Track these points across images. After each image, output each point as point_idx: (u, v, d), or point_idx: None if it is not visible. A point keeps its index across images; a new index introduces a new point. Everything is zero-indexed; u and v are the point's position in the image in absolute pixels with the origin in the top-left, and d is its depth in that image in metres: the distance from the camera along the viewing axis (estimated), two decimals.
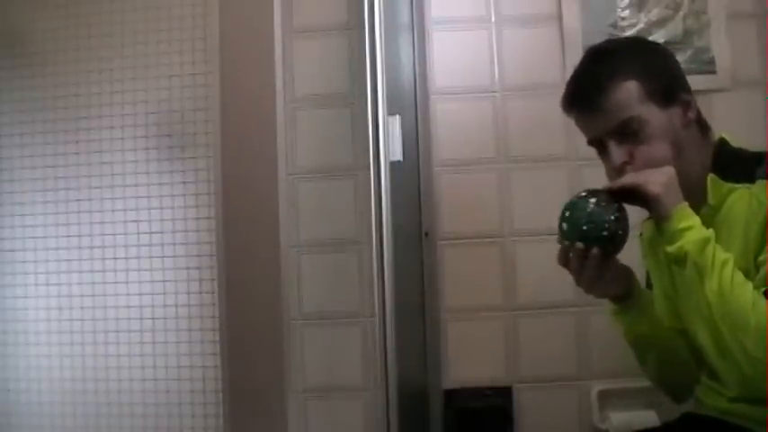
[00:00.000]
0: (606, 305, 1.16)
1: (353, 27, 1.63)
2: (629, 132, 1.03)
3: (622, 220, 1.03)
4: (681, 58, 1.49)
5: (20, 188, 1.71)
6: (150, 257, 1.65)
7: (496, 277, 1.59)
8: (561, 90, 1.11)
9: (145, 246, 1.66)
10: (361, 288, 1.59)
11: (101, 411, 1.65)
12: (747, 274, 0.94)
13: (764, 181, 0.96)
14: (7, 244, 1.71)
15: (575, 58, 1.23)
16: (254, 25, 1.65)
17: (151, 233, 1.66)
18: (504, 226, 1.60)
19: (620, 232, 1.03)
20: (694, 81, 1.12)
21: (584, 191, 1.06)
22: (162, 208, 1.66)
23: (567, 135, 1.55)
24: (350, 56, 1.64)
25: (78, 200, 1.68)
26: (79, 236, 1.68)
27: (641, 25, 1.59)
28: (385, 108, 1.18)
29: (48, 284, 1.68)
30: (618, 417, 1.51)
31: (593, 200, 1.03)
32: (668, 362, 1.15)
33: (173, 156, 1.67)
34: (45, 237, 1.69)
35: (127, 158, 1.68)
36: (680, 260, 0.96)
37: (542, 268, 1.52)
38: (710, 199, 1.02)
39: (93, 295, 1.67)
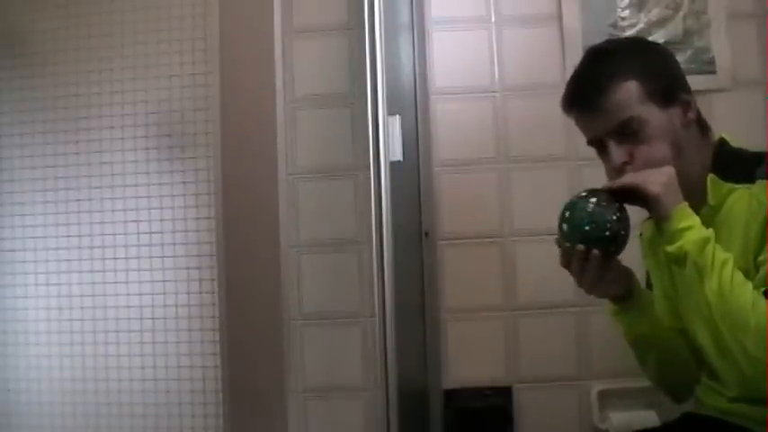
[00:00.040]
0: (606, 305, 1.16)
1: (353, 27, 1.63)
2: (629, 132, 1.03)
3: (624, 219, 1.03)
4: (681, 58, 1.49)
5: (20, 188, 1.71)
6: (150, 257, 1.65)
7: (496, 277, 1.59)
8: (561, 90, 1.11)
9: (145, 246, 1.66)
10: (361, 288, 1.59)
11: (101, 411, 1.65)
12: (747, 274, 0.94)
13: (764, 181, 0.96)
14: (7, 244, 1.71)
15: (575, 58, 1.23)
16: (254, 25, 1.65)
17: (151, 233, 1.66)
18: (504, 226, 1.60)
19: (622, 232, 1.02)
20: (694, 81, 1.12)
21: (584, 191, 1.05)
22: (162, 208, 1.66)
23: (567, 135, 1.55)
24: (350, 56, 1.64)
25: (78, 200, 1.68)
26: (79, 236, 1.68)
27: (641, 25, 1.59)
28: (385, 108, 1.18)
29: (48, 284, 1.68)
30: (618, 417, 1.51)
31: (593, 200, 1.02)
32: (668, 362, 1.15)
33: (173, 156, 1.67)
34: (45, 237, 1.69)
35: (127, 158, 1.68)
36: (680, 260, 0.96)
37: (542, 268, 1.53)
38: (710, 199, 1.02)
39: (93, 295, 1.67)
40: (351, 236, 1.60)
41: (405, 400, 1.20)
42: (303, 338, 1.61)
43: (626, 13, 1.60)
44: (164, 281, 1.65)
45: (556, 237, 1.07)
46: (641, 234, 1.16)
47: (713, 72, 1.57)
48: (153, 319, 1.64)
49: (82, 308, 1.67)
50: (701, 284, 0.94)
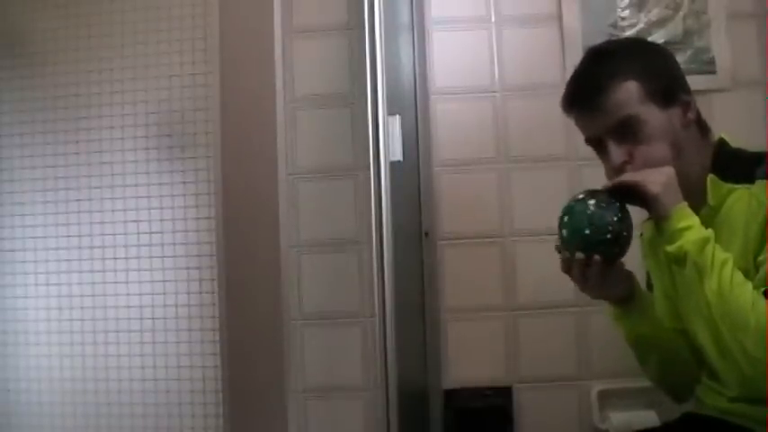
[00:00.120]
0: (607, 308, 1.16)
1: (353, 27, 1.63)
2: (628, 132, 1.03)
3: (625, 220, 1.01)
4: (681, 58, 1.49)
5: (20, 188, 1.71)
6: (150, 257, 1.65)
7: (496, 277, 1.59)
8: (561, 90, 1.11)
9: (145, 246, 1.66)
10: (361, 288, 1.59)
11: (101, 411, 1.65)
12: (747, 275, 0.94)
13: (764, 181, 0.96)
14: (7, 244, 1.71)
15: (575, 58, 1.23)
16: (254, 25, 1.65)
17: (151, 233, 1.66)
18: (504, 226, 1.60)
19: (624, 233, 1.01)
20: (694, 81, 1.12)
21: (582, 192, 1.04)
22: (162, 208, 1.66)
23: (567, 135, 1.55)
24: (350, 56, 1.64)
25: (78, 200, 1.68)
26: (79, 236, 1.68)
27: (641, 25, 1.59)
28: (385, 108, 1.18)
29: (48, 284, 1.68)
30: (618, 417, 1.51)
31: (592, 201, 1.01)
32: (669, 362, 1.15)
33: (173, 156, 1.67)
34: (45, 237, 1.69)
35: (127, 158, 1.68)
36: (680, 260, 0.96)
37: (542, 268, 1.52)
38: (710, 199, 1.02)
39: (93, 295, 1.67)
40: (351, 236, 1.60)
41: (405, 400, 1.20)
42: (303, 338, 1.61)
43: (626, 13, 1.60)
44: (164, 281, 1.65)
45: (556, 243, 1.06)
46: (641, 234, 1.16)
47: (713, 72, 1.58)
48: (153, 319, 1.64)
49: (82, 308, 1.67)
50: (701, 284, 0.94)
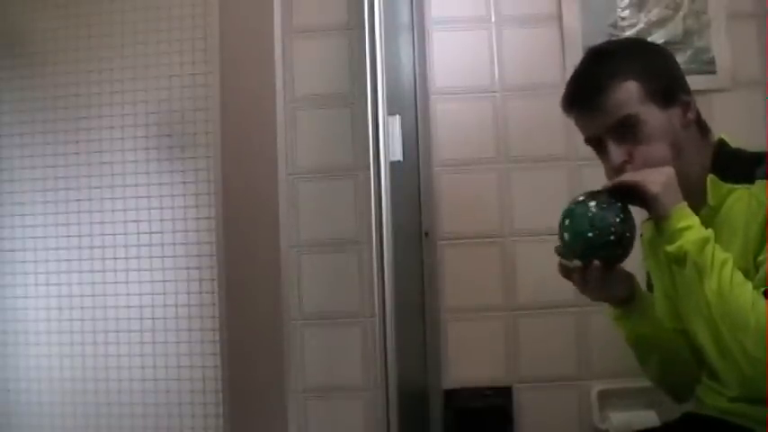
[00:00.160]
0: (607, 309, 1.15)
1: (353, 27, 1.63)
2: (628, 131, 1.03)
3: (628, 220, 1.00)
4: (681, 58, 1.49)
5: (20, 188, 1.71)
6: (150, 257, 1.65)
7: (496, 277, 1.59)
8: (561, 90, 1.11)
9: (145, 246, 1.66)
10: (361, 288, 1.59)
11: (101, 411, 1.65)
12: (747, 275, 0.94)
13: (764, 181, 0.96)
14: (7, 244, 1.71)
15: (575, 58, 1.23)
16: (254, 25, 1.65)
17: (151, 233, 1.66)
18: (504, 226, 1.60)
19: (627, 234, 0.99)
20: (694, 81, 1.12)
21: (582, 194, 1.03)
22: (162, 208, 1.66)
23: (567, 135, 1.55)
24: (350, 56, 1.64)
25: (78, 200, 1.68)
26: (79, 236, 1.68)
27: (641, 25, 1.59)
28: (385, 108, 1.18)
29: (48, 284, 1.68)
30: (618, 417, 1.51)
31: (592, 203, 1.00)
32: (669, 362, 1.15)
33: (173, 156, 1.67)
34: (45, 237, 1.69)
35: (127, 158, 1.68)
36: (679, 259, 0.96)
37: (542, 268, 1.51)
38: (710, 200, 1.02)
39: (93, 295, 1.67)
40: (351, 236, 1.60)
41: (405, 400, 1.20)
42: (303, 338, 1.61)
43: (626, 13, 1.60)
44: (164, 281, 1.65)
45: (556, 245, 1.05)
46: (641, 235, 1.16)
47: (713, 72, 1.58)
48: (153, 319, 1.64)
49: (82, 308, 1.67)
50: (701, 284, 0.94)
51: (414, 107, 1.59)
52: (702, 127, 1.09)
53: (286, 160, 1.63)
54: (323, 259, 1.61)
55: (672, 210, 0.97)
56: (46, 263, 1.69)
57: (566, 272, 1.06)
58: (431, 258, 1.59)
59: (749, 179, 0.98)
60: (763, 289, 0.91)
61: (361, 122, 1.40)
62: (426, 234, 1.59)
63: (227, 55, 1.64)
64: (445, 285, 1.59)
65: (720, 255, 0.94)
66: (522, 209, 1.60)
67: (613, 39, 1.54)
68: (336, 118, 1.63)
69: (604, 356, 1.55)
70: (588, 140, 1.10)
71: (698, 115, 1.08)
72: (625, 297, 1.11)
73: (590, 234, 0.98)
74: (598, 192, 1.02)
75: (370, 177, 1.18)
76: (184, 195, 1.66)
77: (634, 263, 1.12)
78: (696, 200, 1.01)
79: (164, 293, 1.64)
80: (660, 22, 1.59)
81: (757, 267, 0.94)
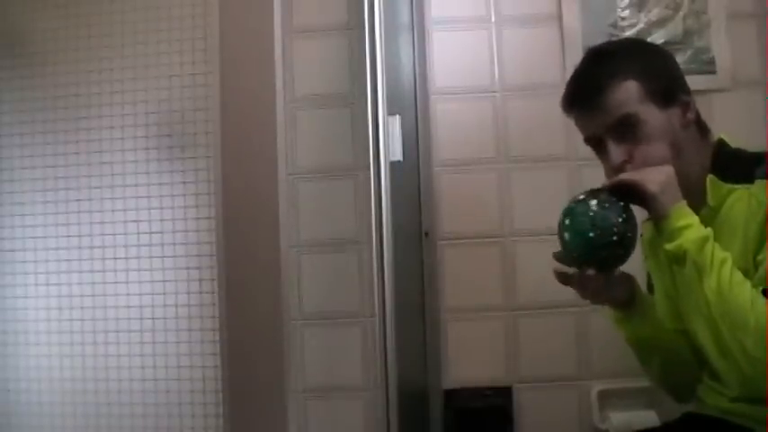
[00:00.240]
0: (607, 310, 1.15)
1: (353, 27, 1.63)
2: (627, 130, 1.03)
3: (630, 220, 0.99)
4: (681, 58, 1.50)
5: (20, 188, 1.71)
6: (150, 257, 1.65)
7: (496, 277, 1.59)
8: (561, 90, 1.11)
9: (145, 246, 1.66)
10: (361, 288, 1.59)
11: (101, 411, 1.65)
12: (747, 274, 0.94)
13: (764, 181, 0.96)
14: (7, 244, 1.71)
15: (575, 58, 1.23)
16: (254, 25, 1.65)
17: (151, 233, 1.66)
18: (504, 226, 1.60)
19: (629, 234, 0.98)
20: (694, 81, 1.12)
21: (582, 193, 1.01)
22: (162, 208, 1.66)
23: (567, 135, 1.55)
24: (350, 56, 1.64)
25: (78, 200, 1.68)
26: (79, 236, 1.68)
27: (641, 25, 1.59)
28: (385, 108, 1.18)
29: (48, 284, 1.68)
30: (618, 417, 1.51)
31: (593, 202, 0.98)
32: (670, 363, 1.15)
33: (173, 156, 1.67)
34: (45, 237, 1.69)
35: (127, 158, 1.68)
36: (679, 258, 0.96)
37: (542, 268, 1.50)
38: (710, 200, 1.02)
39: (93, 295, 1.67)
40: (351, 236, 1.60)
41: (405, 400, 1.20)
42: (303, 338, 1.61)
43: (626, 13, 1.60)
44: (164, 281, 1.65)
45: (554, 251, 1.05)
46: (642, 235, 1.16)
47: (713, 72, 1.58)
48: (153, 319, 1.64)
49: (82, 308, 1.67)
50: (701, 283, 0.94)
51: (414, 107, 1.59)
52: (702, 127, 1.09)
53: (286, 160, 1.63)
54: (323, 259, 1.61)
55: (671, 209, 0.97)
56: (46, 263, 1.69)
57: (563, 278, 1.06)
58: (431, 258, 1.59)
59: (749, 179, 0.98)
60: (762, 288, 0.92)
61: (361, 122, 1.40)
62: (426, 234, 1.59)
63: (227, 55, 1.64)
64: (445, 285, 1.59)
65: (720, 254, 0.94)
66: (522, 209, 1.60)
67: (613, 39, 1.54)
68: (336, 118, 1.63)
69: (604, 356, 1.55)
70: (588, 140, 1.10)
71: (697, 115, 1.08)
72: (626, 300, 1.11)
73: (591, 234, 0.97)
74: (599, 190, 1.01)
75: (370, 177, 1.18)
76: (184, 195, 1.66)
77: (635, 264, 1.12)
78: (696, 200, 1.01)
79: (164, 293, 1.64)
80: (660, 22, 1.59)
81: (757, 266, 0.94)
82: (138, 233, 1.66)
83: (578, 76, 1.10)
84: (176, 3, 1.69)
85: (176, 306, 1.64)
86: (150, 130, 1.68)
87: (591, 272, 1.01)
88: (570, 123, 1.12)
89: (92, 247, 1.67)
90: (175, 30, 1.68)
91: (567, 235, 1.00)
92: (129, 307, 1.65)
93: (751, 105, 1.55)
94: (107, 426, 1.64)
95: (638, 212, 1.04)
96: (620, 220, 0.97)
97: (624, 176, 1.01)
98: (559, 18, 1.62)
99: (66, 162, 1.69)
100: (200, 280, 1.63)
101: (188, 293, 1.64)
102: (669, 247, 0.97)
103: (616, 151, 1.04)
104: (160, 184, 1.67)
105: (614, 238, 0.97)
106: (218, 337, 1.61)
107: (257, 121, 1.64)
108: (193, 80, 1.67)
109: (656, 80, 1.04)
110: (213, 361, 1.61)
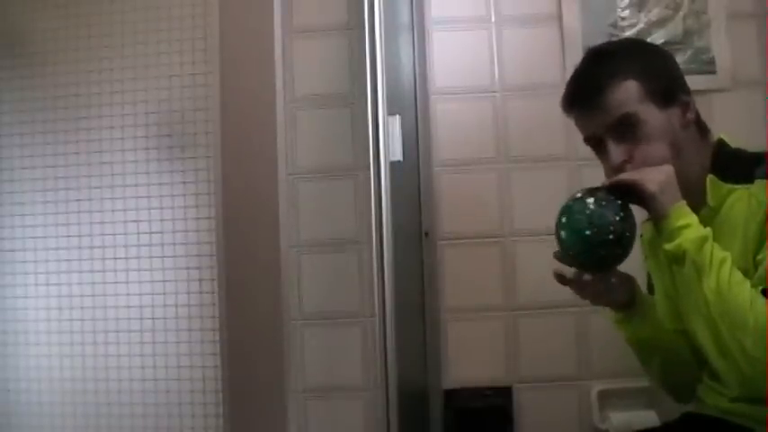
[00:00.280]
0: (608, 312, 1.15)
1: (353, 27, 1.63)
2: (627, 130, 1.03)
3: (628, 219, 0.98)
4: (681, 58, 1.50)
5: (20, 188, 1.71)
6: (150, 257, 1.65)
7: (496, 277, 1.59)
8: (561, 90, 1.11)
9: (145, 246, 1.66)
10: (361, 288, 1.59)
11: (101, 411, 1.65)
12: (746, 274, 0.94)
13: (764, 181, 0.96)
14: (7, 244, 1.71)
15: (575, 58, 1.23)
16: (254, 25, 1.65)
17: (151, 233, 1.66)
18: (504, 226, 1.60)
19: (626, 234, 0.97)
20: (694, 81, 1.12)
21: (580, 191, 1.01)
22: (162, 208, 1.66)
23: (567, 135, 1.55)
24: (350, 56, 1.64)
25: (78, 200, 1.68)
26: (79, 236, 1.68)
27: (641, 25, 1.59)
28: (385, 108, 1.18)
29: (48, 284, 1.68)
30: (618, 417, 1.51)
31: (590, 200, 0.98)
32: (671, 363, 1.15)
33: (173, 156, 1.67)
34: (45, 237, 1.69)
35: (127, 158, 1.68)
36: (678, 258, 0.96)
37: (542, 268, 1.50)
38: (710, 200, 1.02)
39: (93, 295, 1.67)
40: (351, 236, 1.60)
41: (405, 400, 1.20)
42: (303, 338, 1.61)
43: (626, 13, 1.60)
44: (164, 281, 1.65)
45: (555, 251, 1.05)
46: (641, 235, 1.16)
47: (713, 72, 1.58)
48: (153, 319, 1.64)
49: (82, 308, 1.67)
50: (700, 283, 0.94)
51: (414, 107, 1.59)
52: (702, 127, 1.09)
53: (286, 160, 1.63)
54: (323, 259, 1.61)
55: (670, 208, 0.97)
56: (46, 263, 1.69)
57: (561, 279, 1.06)
58: (431, 258, 1.59)
59: (749, 179, 0.98)
60: (761, 288, 0.92)
61: (361, 122, 1.40)
62: (426, 234, 1.59)
63: (227, 55, 1.64)
64: (445, 285, 1.59)
65: (719, 253, 0.94)
66: (522, 209, 1.60)
67: (613, 39, 1.54)
68: (336, 118, 1.63)
69: (604, 356, 1.55)
70: (588, 140, 1.10)
71: (697, 115, 1.08)
72: (626, 301, 1.11)
73: (588, 232, 0.96)
74: (597, 188, 1.01)
75: (370, 177, 1.18)
76: (184, 195, 1.66)
77: (635, 264, 1.12)
78: (696, 200, 1.01)
79: (164, 293, 1.64)
80: (660, 22, 1.59)
81: (756, 266, 0.94)
82: (138, 233, 1.66)
83: (578, 76, 1.10)
84: (176, 3, 1.69)
85: (176, 306, 1.64)
86: (150, 130, 1.68)
87: (587, 277, 1.01)
88: (570, 123, 1.12)
89: (92, 247, 1.67)
90: (175, 30, 1.68)
91: (563, 233, 0.99)
92: (129, 307, 1.65)
93: (751, 105, 1.55)
94: (107, 426, 1.64)
95: (639, 213, 1.04)
96: (618, 218, 0.97)
97: (624, 176, 1.01)
98: (559, 18, 1.62)
99: (66, 162, 1.69)
100: (200, 280, 1.63)
101: (188, 293, 1.64)
102: (668, 246, 0.97)
103: (616, 151, 1.04)
104: (160, 184, 1.67)
105: (611, 236, 0.96)
106: (218, 337, 1.61)
107: (257, 121, 1.64)
108: (193, 80, 1.67)
109: (656, 80, 1.04)
110: (213, 361, 1.61)
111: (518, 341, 1.58)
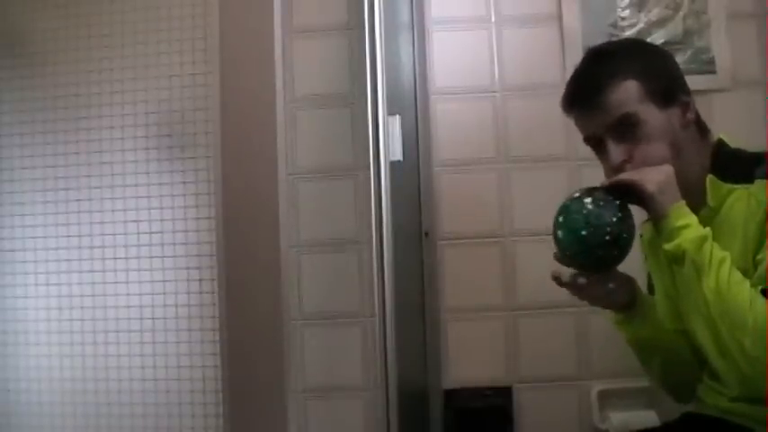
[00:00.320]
0: (608, 313, 1.15)
1: (353, 27, 1.63)
2: (627, 130, 1.03)
3: (626, 220, 0.98)
4: (681, 58, 1.50)
5: (20, 188, 1.71)
6: (150, 257, 1.65)
7: (496, 277, 1.59)
8: (561, 90, 1.10)
9: (145, 246, 1.66)
10: (361, 288, 1.59)
11: (101, 411, 1.65)
12: (746, 274, 0.94)
13: (763, 181, 0.96)
14: (7, 244, 1.71)
15: (575, 58, 1.23)
16: (254, 25, 1.65)
17: (151, 233, 1.66)
18: (504, 226, 1.60)
19: (624, 235, 0.97)
20: (694, 81, 1.12)
21: (578, 191, 1.01)
22: (162, 208, 1.66)
23: (567, 135, 1.55)
24: (350, 56, 1.64)
25: (78, 200, 1.68)
26: (79, 236, 1.68)
27: (641, 25, 1.59)
28: (385, 108, 1.18)
29: (48, 284, 1.68)
30: (618, 417, 1.51)
31: (588, 199, 0.98)
32: (671, 364, 1.15)
33: (173, 156, 1.67)
34: (45, 237, 1.69)
35: (127, 158, 1.68)
36: (678, 258, 0.96)
37: (542, 268, 1.50)
38: (710, 200, 1.02)
39: (93, 295, 1.67)
40: (351, 236, 1.60)
41: (405, 400, 1.20)
42: (303, 338, 1.61)
43: (626, 13, 1.60)
44: (164, 281, 1.65)
45: (555, 252, 1.05)
46: (641, 235, 1.16)
47: (713, 72, 1.58)
48: (153, 319, 1.64)
49: (82, 308, 1.67)
50: (699, 283, 0.94)
51: (414, 107, 1.59)
52: (702, 127, 1.09)
53: (286, 160, 1.63)
54: (323, 259, 1.61)
55: (670, 208, 0.97)
56: (46, 263, 1.69)
57: (559, 281, 1.06)
58: (431, 258, 1.59)
59: (748, 179, 0.98)
60: (761, 287, 0.92)
61: (361, 122, 1.40)
62: (426, 234, 1.59)
63: (227, 55, 1.64)
64: (445, 285, 1.59)
65: (718, 253, 0.94)
66: (522, 209, 1.60)
67: (613, 39, 1.54)
68: (336, 118, 1.63)
69: (604, 356, 1.55)
70: (587, 140, 1.10)
71: (697, 115, 1.08)
72: (626, 303, 1.11)
73: (584, 232, 0.95)
74: (595, 188, 1.00)
75: (370, 177, 1.18)
76: (184, 195, 1.66)
77: (635, 264, 1.12)
78: (695, 200, 1.01)
79: (164, 293, 1.64)
80: (660, 22, 1.59)
81: (756, 266, 0.94)
82: (138, 233, 1.66)
83: (578, 75, 1.10)
84: (176, 3, 1.69)
85: (176, 306, 1.64)
86: (150, 130, 1.68)
87: (582, 280, 1.02)
88: (570, 123, 1.12)
89: (92, 247, 1.67)
90: (175, 30, 1.68)
91: (560, 233, 0.99)
92: (129, 307, 1.65)
93: (751, 105, 1.55)
94: (107, 426, 1.64)
95: (639, 213, 1.04)
96: (615, 219, 0.96)
97: (623, 176, 1.01)
98: (559, 18, 1.62)
99: (66, 162, 1.69)
100: (201, 280, 1.63)
101: (188, 293, 1.64)
102: (668, 246, 0.97)
103: (616, 151, 1.04)
104: (160, 184, 1.67)
105: (608, 237, 0.95)
106: (218, 337, 1.61)
107: (257, 121, 1.64)
108: (193, 80, 1.67)
109: (655, 80, 1.04)
110: (213, 361, 1.61)
111: (518, 341, 1.58)
